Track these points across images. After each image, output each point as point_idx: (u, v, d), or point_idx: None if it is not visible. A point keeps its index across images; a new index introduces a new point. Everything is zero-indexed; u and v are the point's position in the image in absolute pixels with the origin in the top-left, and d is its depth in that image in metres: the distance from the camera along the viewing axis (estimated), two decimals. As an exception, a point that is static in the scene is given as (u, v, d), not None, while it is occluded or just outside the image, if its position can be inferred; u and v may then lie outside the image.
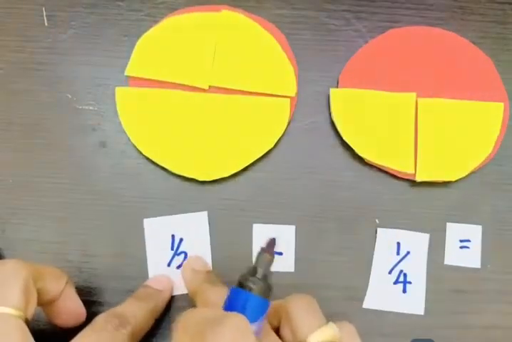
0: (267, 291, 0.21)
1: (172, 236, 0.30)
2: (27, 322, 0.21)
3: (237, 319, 0.19)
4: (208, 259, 0.30)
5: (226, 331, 0.18)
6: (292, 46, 0.33)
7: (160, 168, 0.31)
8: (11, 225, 0.31)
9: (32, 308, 0.22)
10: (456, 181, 0.31)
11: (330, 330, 0.21)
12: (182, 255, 0.30)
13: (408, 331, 0.30)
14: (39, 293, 0.23)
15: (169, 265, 0.30)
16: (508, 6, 0.34)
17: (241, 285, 0.21)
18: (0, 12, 0.33)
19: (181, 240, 0.30)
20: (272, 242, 0.23)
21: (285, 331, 0.22)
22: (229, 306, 0.21)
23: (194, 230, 0.30)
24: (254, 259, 0.22)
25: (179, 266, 0.30)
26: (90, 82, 0.32)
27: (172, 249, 0.30)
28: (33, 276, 0.22)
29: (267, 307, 0.21)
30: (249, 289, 0.21)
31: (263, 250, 0.22)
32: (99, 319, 0.24)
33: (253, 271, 0.22)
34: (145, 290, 0.28)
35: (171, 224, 0.30)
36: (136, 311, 0.25)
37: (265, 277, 0.22)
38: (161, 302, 0.28)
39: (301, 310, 0.22)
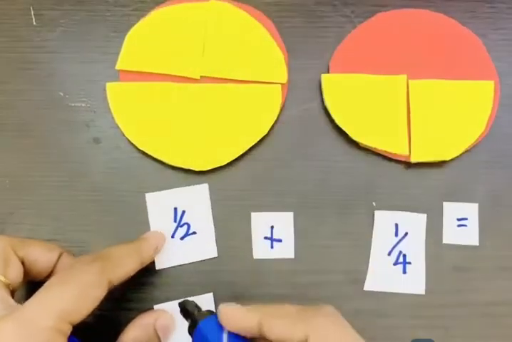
0: None
1: (175, 208, 0.31)
2: (7, 285, 0.23)
3: None
4: (210, 230, 0.31)
5: None
6: (281, 34, 0.33)
7: (155, 161, 0.31)
8: (10, 225, 0.31)
9: (14, 273, 0.23)
10: (451, 160, 0.32)
11: None
12: (185, 226, 0.31)
13: (410, 311, 0.30)
14: (27, 262, 0.24)
15: (173, 236, 0.31)
16: (494, -15, 0.34)
17: None
18: (-13, 13, 0.33)
19: (183, 212, 0.31)
20: None
21: None
22: None
23: (196, 202, 0.31)
24: None
25: (182, 237, 0.30)
26: (82, 79, 0.33)
27: (175, 221, 0.31)
28: (12, 245, 0.24)
29: None
30: None
31: None
32: (74, 260, 0.25)
33: None
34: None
35: (173, 197, 0.31)
36: (112, 250, 0.25)
37: None
38: (145, 244, 0.28)
39: None
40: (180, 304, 0.26)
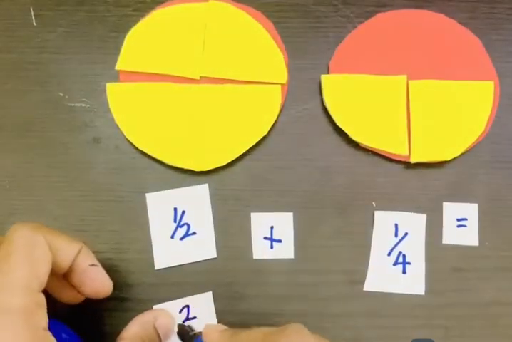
0: None
1: (175, 208, 0.31)
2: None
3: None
4: (210, 230, 0.31)
5: None
6: (280, 34, 0.33)
7: (155, 161, 0.31)
8: (10, 225, 0.30)
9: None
10: (451, 160, 0.32)
11: None
12: (185, 227, 0.31)
13: (410, 311, 0.30)
14: (51, 251, 0.23)
15: (172, 237, 0.31)
16: (495, -14, 0.34)
17: None
18: (-13, 13, 0.33)
19: (183, 212, 0.31)
20: None
21: None
22: None
23: (196, 202, 0.31)
24: None
25: (182, 238, 0.31)
26: (81, 79, 0.32)
27: (175, 221, 0.31)
28: (43, 233, 0.23)
29: None
30: None
31: None
32: None
33: None
34: None
35: (173, 197, 0.31)
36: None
37: None
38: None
39: None
40: (177, 326, 0.28)
